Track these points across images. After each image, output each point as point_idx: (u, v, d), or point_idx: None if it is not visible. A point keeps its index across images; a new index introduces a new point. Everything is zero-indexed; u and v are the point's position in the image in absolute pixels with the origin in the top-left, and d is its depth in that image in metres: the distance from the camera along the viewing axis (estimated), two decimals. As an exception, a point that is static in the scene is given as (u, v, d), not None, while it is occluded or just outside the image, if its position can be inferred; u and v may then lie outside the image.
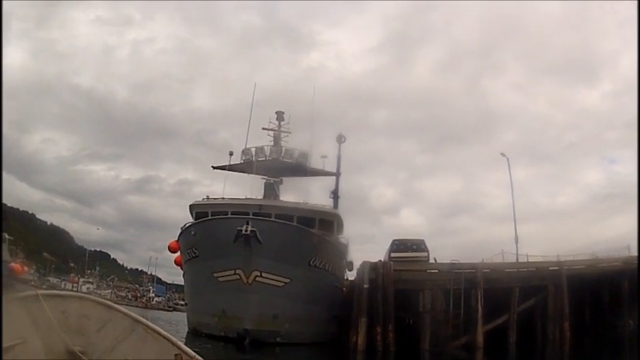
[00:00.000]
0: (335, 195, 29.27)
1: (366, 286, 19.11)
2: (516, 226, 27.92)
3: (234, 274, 19.73)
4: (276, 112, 30.62)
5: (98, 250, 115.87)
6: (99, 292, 73.16)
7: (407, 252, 23.19)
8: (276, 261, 19.75)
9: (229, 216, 21.31)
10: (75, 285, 69.04)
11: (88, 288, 71.31)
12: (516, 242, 26.63)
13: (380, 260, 21.54)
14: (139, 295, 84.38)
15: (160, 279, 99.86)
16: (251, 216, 20.48)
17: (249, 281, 19.51)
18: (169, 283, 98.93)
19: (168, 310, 72.33)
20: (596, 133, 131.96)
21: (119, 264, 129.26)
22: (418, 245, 23.13)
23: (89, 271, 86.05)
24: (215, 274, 20.57)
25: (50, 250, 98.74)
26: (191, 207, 26.52)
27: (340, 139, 30.25)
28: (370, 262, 20.47)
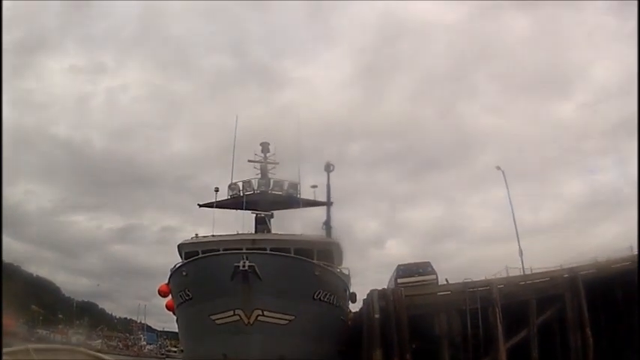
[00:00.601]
0: (327, 225, 27.79)
1: (377, 316, 17.47)
2: (519, 240, 26.85)
3: (234, 314, 17.65)
4: (260, 144, 29.14)
5: (86, 300, 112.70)
6: (89, 342, 70.51)
7: (414, 276, 21.69)
8: (278, 297, 17.85)
9: (224, 252, 19.43)
10: (64, 336, 66.48)
11: (78, 339, 68.70)
12: (521, 255, 25.49)
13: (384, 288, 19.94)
14: (130, 343, 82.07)
15: (150, 326, 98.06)
16: (246, 250, 18.63)
17: (251, 321, 17.48)
18: (160, 330, 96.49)
19: (160, 358, 71.92)
20: (574, 145, 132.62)
21: (108, 313, 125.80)
22: (424, 268, 21.77)
23: (77, 322, 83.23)
24: (212, 317, 18.41)
25: (37, 301, 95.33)
26: (180, 247, 24.59)
27: (328, 167, 28.62)
28: (378, 290, 18.87)
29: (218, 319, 18.25)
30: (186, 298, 20.12)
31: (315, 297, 19.04)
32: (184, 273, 19.78)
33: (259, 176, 28.32)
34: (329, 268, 21.33)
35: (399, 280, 21.23)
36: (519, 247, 26.12)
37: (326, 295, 19.47)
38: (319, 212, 28.30)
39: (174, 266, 21.86)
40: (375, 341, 17.18)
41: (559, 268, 20.69)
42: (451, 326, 17.72)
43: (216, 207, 27.26)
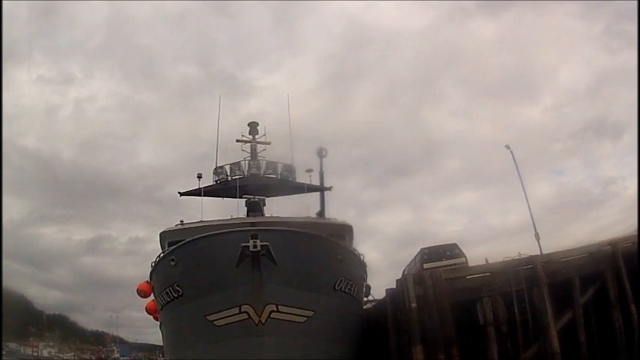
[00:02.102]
0: (322, 214, 24.25)
1: (414, 305, 14.04)
2: (534, 223, 23.99)
3: (240, 312, 13.52)
4: (248, 125, 24.64)
5: (57, 313, 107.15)
6: (61, 355, 66.91)
7: (441, 260, 18.52)
8: (296, 287, 13.78)
9: (227, 230, 14.55)
10: (35, 349, 61.97)
11: (49, 352, 64.90)
12: (538, 239, 22.76)
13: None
14: (102, 356, 78.43)
15: (122, 339, 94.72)
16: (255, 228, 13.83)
17: (263, 320, 13.38)
18: (132, 343, 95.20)
19: None
20: (541, 148, 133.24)
21: (79, 326, 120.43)
22: (452, 250, 18.73)
23: (48, 334, 78.13)
24: (210, 317, 14.15)
25: (8, 315, 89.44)
26: (162, 236, 19.91)
27: (321, 152, 24.84)
28: (414, 275, 15.44)
29: (218, 319, 14.01)
30: (175, 295, 15.35)
31: (336, 287, 15.05)
32: (173, 262, 14.78)
33: (248, 159, 23.92)
34: (352, 250, 17.29)
35: (426, 266, 18.17)
36: (535, 230, 23.23)
37: (347, 284, 15.56)
38: (311, 200, 24.64)
39: (158, 256, 17.12)
40: (414, 336, 13.75)
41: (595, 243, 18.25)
42: (496, 312, 14.85)
43: (200, 194, 22.78)
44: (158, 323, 19.73)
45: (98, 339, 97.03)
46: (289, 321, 13.84)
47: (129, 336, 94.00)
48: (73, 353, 74.00)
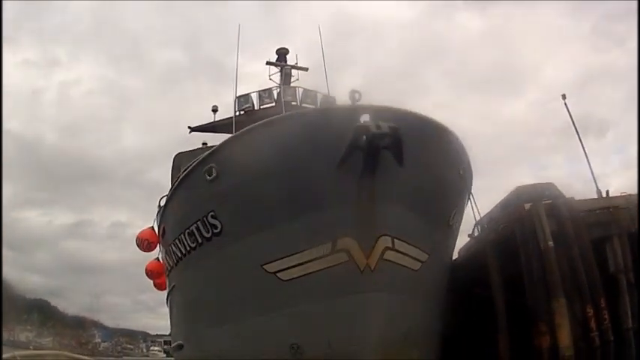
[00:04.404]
0: None
1: (550, 244, 9.26)
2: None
3: (335, 251, 7.77)
4: (277, 52, 18.51)
5: (38, 298, 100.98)
6: (39, 340, 61.28)
7: (543, 201, 13.99)
8: (416, 212, 8.17)
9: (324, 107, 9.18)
10: (10, 334, 56.07)
11: (27, 337, 59.21)
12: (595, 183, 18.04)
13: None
14: (83, 341, 72.74)
15: (103, 324, 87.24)
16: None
17: (372, 263, 7.65)
18: (113, 328, 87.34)
19: (118, 357, 65.70)
20: (525, 142, 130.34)
21: (60, 311, 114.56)
22: (551, 191, 14.39)
23: (25, 317, 72.02)
24: (270, 266, 8.30)
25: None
26: (178, 160, 15.00)
27: (354, 96, 19.82)
28: (544, 203, 10.33)
29: (287, 268, 8.14)
30: (206, 235, 9.26)
31: (450, 221, 9.70)
32: (211, 175, 8.78)
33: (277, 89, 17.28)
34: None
35: (527, 206, 13.60)
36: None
37: (458, 220, 10.31)
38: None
39: (179, 175, 10.77)
40: (555, 285, 8.84)
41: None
42: (625, 256, 10.05)
43: (215, 131, 17.29)
44: (167, 290, 13.95)
45: (79, 323, 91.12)
46: (403, 266, 8.19)
47: (110, 321, 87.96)
48: (51, 338, 68.04)
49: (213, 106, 18.12)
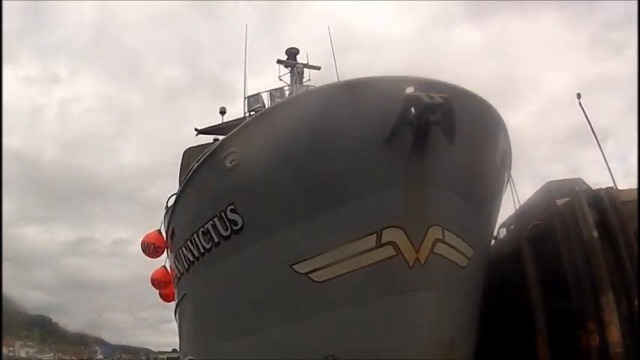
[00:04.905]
0: None
1: (595, 234, 8.38)
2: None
3: (379, 244, 6.59)
4: (286, 52, 17.64)
5: (39, 314, 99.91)
6: (40, 356, 60.30)
7: None
8: (464, 200, 7.14)
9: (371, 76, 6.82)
10: (11, 349, 55.05)
11: (27, 352, 58.09)
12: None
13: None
14: (84, 357, 71.58)
15: (104, 340, 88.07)
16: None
17: (422, 257, 6.52)
18: (115, 344, 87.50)
19: None
20: (525, 152, 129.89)
21: (61, 327, 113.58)
22: (580, 186, 13.78)
23: (26, 333, 70.80)
24: (301, 266, 7.06)
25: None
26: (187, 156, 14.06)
27: None
28: (586, 192, 9.68)
29: (323, 267, 6.94)
30: (224, 233, 8.01)
31: (492, 211, 8.97)
32: (232, 161, 7.60)
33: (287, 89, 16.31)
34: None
35: (560, 202, 12.91)
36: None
37: (498, 208, 9.39)
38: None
39: (192, 166, 9.36)
40: (602, 279, 7.90)
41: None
42: None
43: (226, 133, 16.04)
44: (176, 301, 12.60)
45: (80, 340, 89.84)
46: (452, 262, 7.10)
47: (111, 338, 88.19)
48: (53, 354, 66.99)
49: (221, 108, 17.27)
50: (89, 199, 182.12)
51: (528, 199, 13.30)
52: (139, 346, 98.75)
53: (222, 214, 7.95)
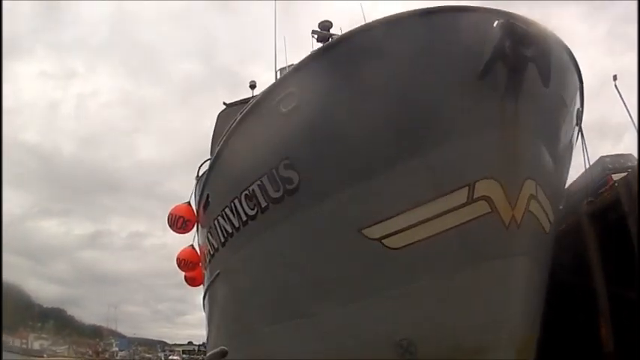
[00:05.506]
0: None
1: None
2: None
3: (471, 199, 5.27)
4: (319, 26, 17.21)
5: (55, 307, 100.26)
6: (54, 348, 60.04)
7: (625, 172, 12.40)
8: (552, 154, 5.79)
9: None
10: (24, 341, 54.83)
11: (41, 344, 57.82)
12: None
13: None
14: (100, 349, 71.19)
15: (120, 333, 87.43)
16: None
17: (520, 216, 5.30)
18: (130, 337, 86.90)
19: None
20: None
21: (76, 320, 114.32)
22: (632, 161, 12.81)
23: (40, 325, 70.69)
24: (372, 229, 5.70)
25: (6, 308, 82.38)
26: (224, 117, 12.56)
27: None
28: None
29: (402, 230, 5.57)
30: (275, 195, 6.63)
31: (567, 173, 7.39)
32: (291, 101, 6.21)
33: None
34: None
35: (616, 176, 11.90)
36: None
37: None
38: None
39: (235, 118, 7.75)
40: None
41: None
42: None
43: None
44: (205, 284, 10.87)
45: (95, 332, 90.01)
46: (540, 225, 5.92)
47: (127, 330, 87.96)
48: (67, 346, 66.83)
49: (251, 82, 16.22)
50: (106, 193, 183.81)
51: (581, 175, 12.39)
52: (154, 338, 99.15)
53: (274, 171, 6.58)
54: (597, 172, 11.37)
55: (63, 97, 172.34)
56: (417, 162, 5.48)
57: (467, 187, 5.35)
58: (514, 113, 5.28)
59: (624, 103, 12.94)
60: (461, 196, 5.38)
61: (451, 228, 5.41)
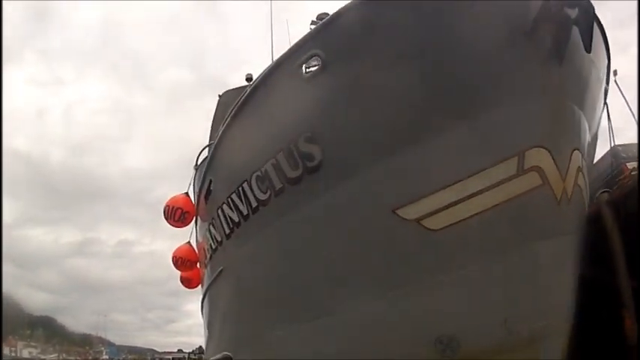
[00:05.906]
0: None
1: None
2: None
3: (521, 171, 4.67)
4: (317, 18, 17.00)
5: (44, 315, 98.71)
6: (43, 356, 59.03)
7: (635, 161, 12.14)
8: (590, 124, 5.37)
9: None
10: (13, 349, 53.76)
11: (30, 352, 56.76)
12: None
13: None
14: (90, 358, 70.28)
15: (110, 341, 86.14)
16: None
17: (570, 189, 4.82)
18: (120, 345, 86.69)
19: None
20: None
21: (66, 328, 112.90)
22: None
23: (29, 332, 69.37)
24: (407, 210, 5.03)
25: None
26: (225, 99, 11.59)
27: None
28: None
29: (442, 209, 4.93)
30: (293, 174, 5.77)
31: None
32: (316, 61, 5.50)
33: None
34: None
35: (630, 165, 11.59)
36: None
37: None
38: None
39: (248, 87, 7.17)
40: None
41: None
42: None
43: None
44: (206, 284, 9.81)
45: (85, 340, 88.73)
46: (584, 201, 5.59)
47: (116, 339, 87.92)
48: (56, 354, 65.77)
49: (248, 74, 15.90)
50: (94, 201, 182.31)
51: (594, 163, 12.10)
52: (144, 346, 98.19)
53: (292, 146, 5.69)
54: (610, 161, 11.10)
55: (52, 103, 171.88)
56: (460, 127, 4.83)
57: (516, 157, 4.73)
58: (559, 79, 4.77)
59: (625, 99, 12.66)
60: (510, 166, 4.75)
61: (499, 204, 4.77)
